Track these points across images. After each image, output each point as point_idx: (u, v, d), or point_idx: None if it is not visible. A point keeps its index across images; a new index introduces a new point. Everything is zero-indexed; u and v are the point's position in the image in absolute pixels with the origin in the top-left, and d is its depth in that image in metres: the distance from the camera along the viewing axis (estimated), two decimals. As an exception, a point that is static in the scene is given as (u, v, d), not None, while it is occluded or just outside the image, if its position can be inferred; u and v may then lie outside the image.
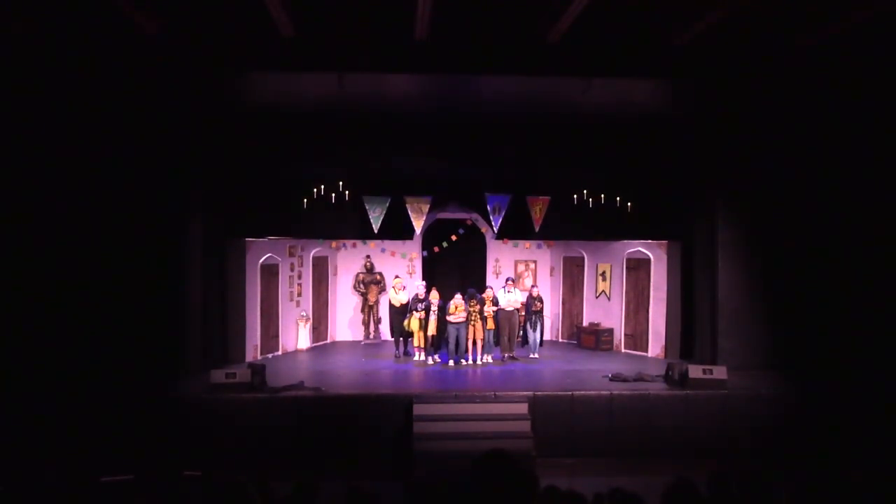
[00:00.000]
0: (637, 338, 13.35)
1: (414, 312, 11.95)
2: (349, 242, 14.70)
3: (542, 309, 12.65)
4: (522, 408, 9.66)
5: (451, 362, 11.87)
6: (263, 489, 4.33)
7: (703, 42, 8.17)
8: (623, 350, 13.49)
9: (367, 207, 12.02)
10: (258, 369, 10.08)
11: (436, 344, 11.99)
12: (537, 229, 12.43)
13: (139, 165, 10.06)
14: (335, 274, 14.81)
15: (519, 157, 11.97)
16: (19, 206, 9.15)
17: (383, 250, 14.82)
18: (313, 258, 14.09)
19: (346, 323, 14.88)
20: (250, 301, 12.28)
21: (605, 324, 13.88)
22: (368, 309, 14.38)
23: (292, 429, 9.42)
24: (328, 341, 14.53)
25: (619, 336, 13.65)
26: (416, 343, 12.18)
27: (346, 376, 11.12)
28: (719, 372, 10.13)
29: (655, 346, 12.95)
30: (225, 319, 11.69)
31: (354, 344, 14.35)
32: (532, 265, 15.27)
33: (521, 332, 12.65)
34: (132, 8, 7.03)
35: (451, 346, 11.80)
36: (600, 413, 9.73)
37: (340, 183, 11.96)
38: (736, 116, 10.93)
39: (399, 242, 14.38)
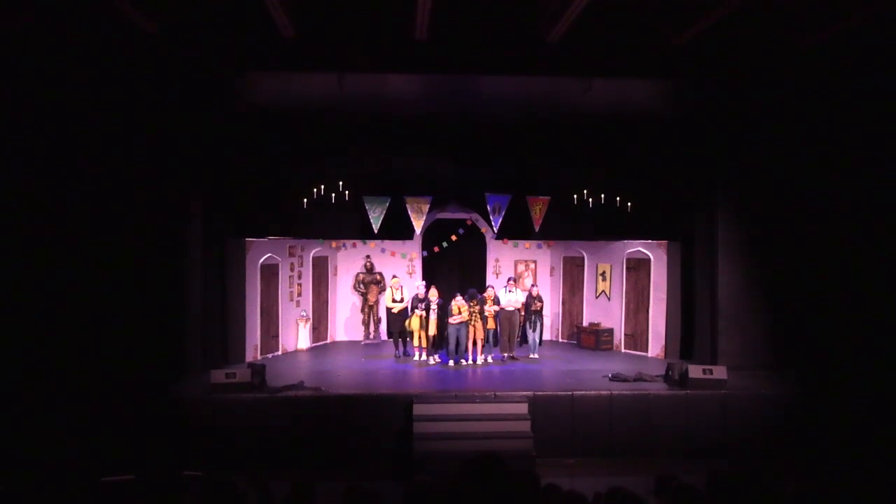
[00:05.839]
0: (637, 338, 13.34)
1: (415, 311, 11.95)
2: (349, 242, 14.70)
3: (541, 308, 12.64)
4: (522, 408, 9.66)
5: (451, 362, 11.87)
6: (262, 490, 4.33)
7: (703, 42, 8.16)
8: (623, 350, 13.49)
9: (367, 207, 12.03)
10: (258, 369, 10.09)
11: (436, 344, 12.00)
12: (537, 229, 12.42)
13: (139, 165, 10.05)
14: (335, 274, 14.80)
15: (519, 157, 11.96)
16: (18, 205, 9.14)
17: (383, 250, 14.82)
18: (313, 258, 14.09)
19: (345, 323, 14.87)
20: (250, 301, 12.29)
21: (605, 324, 13.87)
22: (368, 309, 14.37)
23: (292, 429, 9.43)
24: (328, 341, 14.53)
25: (619, 336, 13.65)
26: (415, 342, 12.18)
27: (346, 376, 11.11)
28: (719, 372, 10.13)
29: (655, 346, 12.95)
30: (225, 319, 11.70)
31: (354, 344, 14.35)
32: (532, 265, 15.26)
33: (521, 332, 12.65)
34: (131, 7, 7.03)
35: (452, 346, 11.79)
36: (600, 413, 9.73)
37: (340, 183, 11.97)
38: (736, 116, 10.92)
39: (399, 242, 14.38)
